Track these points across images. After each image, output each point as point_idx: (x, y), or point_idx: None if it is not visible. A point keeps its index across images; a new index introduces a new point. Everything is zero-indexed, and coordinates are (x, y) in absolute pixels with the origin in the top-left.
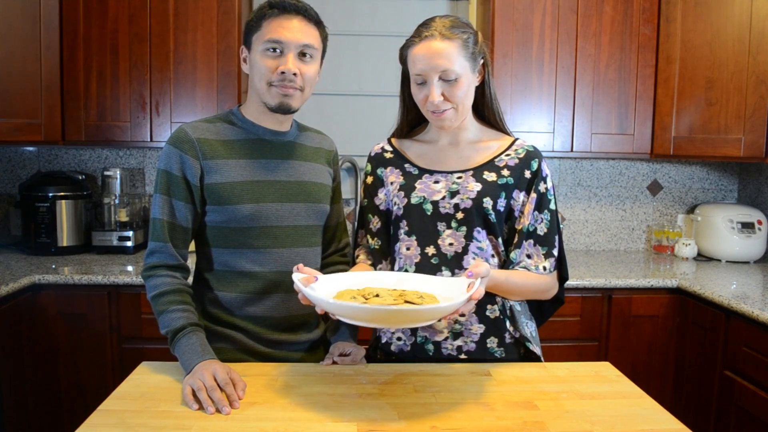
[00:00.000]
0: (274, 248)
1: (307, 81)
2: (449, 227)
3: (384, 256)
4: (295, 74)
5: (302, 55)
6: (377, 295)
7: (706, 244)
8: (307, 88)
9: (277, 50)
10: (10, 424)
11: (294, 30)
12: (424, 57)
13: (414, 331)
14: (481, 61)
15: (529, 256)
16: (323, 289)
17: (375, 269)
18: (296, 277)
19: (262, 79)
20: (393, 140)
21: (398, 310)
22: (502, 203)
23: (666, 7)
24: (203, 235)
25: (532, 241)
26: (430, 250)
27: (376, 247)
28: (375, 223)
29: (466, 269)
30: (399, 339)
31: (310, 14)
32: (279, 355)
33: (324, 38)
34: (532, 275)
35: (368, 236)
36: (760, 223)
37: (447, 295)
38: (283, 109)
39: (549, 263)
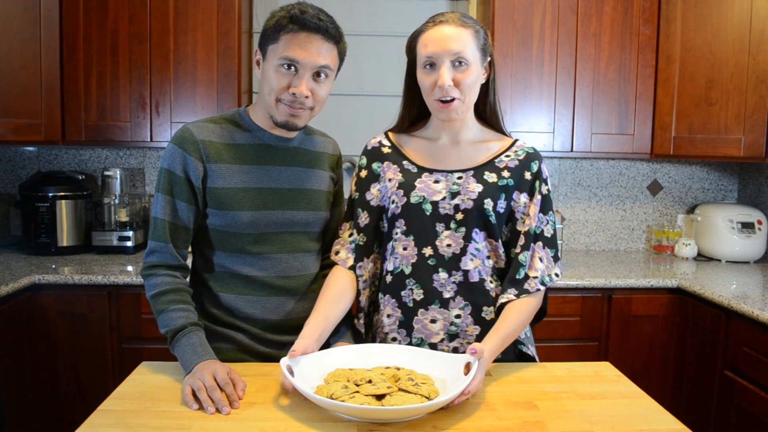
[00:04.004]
0: (273, 254)
1: (318, 100)
2: (448, 228)
3: (367, 254)
4: (306, 96)
5: (317, 74)
6: (370, 381)
7: (706, 244)
8: (317, 107)
9: (292, 68)
10: (10, 424)
11: (312, 50)
12: (437, 40)
13: (409, 333)
14: (489, 59)
15: (540, 260)
16: (315, 369)
17: (355, 270)
18: (283, 362)
19: (271, 94)
20: (390, 134)
21: (386, 410)
22: (502, 204)
23: (666, 7)
24: (204, 237)
25: (541, 243)
26: (428, 251)
27: (361, 243)
28: (364, 218)
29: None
30: (394, 340)
31: (331, 33)
32: (279, 355)
33: (342, 54)
34: (523, 305)
35: (354, 230)
36: (760, 223)
37: (441, 376)
38: (289, 127)
39: (558, 269)
